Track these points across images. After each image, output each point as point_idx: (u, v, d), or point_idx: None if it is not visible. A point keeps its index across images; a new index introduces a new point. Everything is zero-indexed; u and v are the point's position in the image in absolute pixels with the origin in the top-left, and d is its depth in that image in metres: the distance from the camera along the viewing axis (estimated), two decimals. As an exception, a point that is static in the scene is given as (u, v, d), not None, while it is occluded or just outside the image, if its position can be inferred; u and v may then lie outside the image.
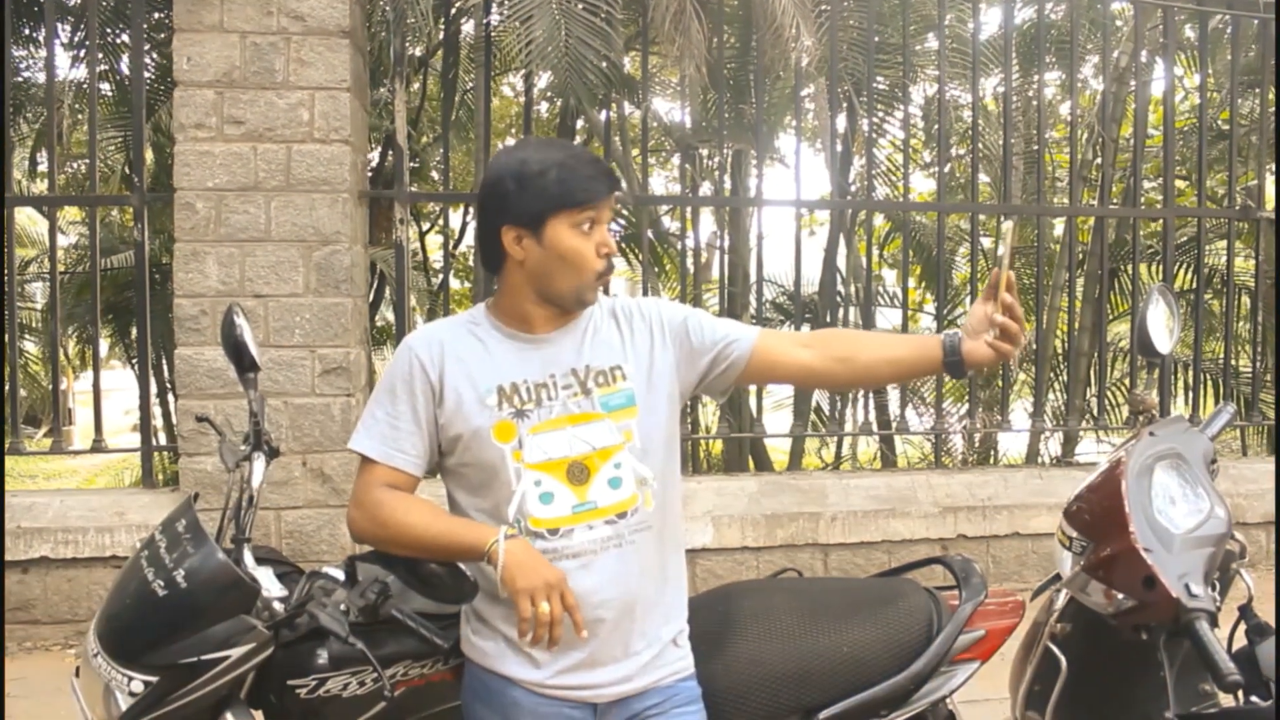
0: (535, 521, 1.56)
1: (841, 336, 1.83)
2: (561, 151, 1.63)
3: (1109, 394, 6.31)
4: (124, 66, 5.61)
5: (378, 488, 1.60)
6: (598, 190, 1.59)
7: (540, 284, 1.61)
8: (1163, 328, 1.92)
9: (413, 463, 1.61)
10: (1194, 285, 5.28)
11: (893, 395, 6.89)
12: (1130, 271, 5.54)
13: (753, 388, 4.85)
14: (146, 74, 4.80)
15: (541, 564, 1.50)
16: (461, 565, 1.65)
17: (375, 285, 6.56)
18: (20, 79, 6.03)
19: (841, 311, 6.49)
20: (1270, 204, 5.77)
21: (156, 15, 5.12)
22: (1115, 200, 6.36)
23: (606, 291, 1.74)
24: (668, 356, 1.68)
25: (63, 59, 5.46)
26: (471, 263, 9.09)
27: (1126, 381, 6.29)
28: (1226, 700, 1.65)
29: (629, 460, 1.61)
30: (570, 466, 1.58)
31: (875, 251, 7.38)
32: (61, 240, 6.62)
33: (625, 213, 5.90)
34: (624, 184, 1.81)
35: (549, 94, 7.24)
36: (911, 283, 6.53)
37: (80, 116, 5.90)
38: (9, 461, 4.42)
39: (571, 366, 1.63)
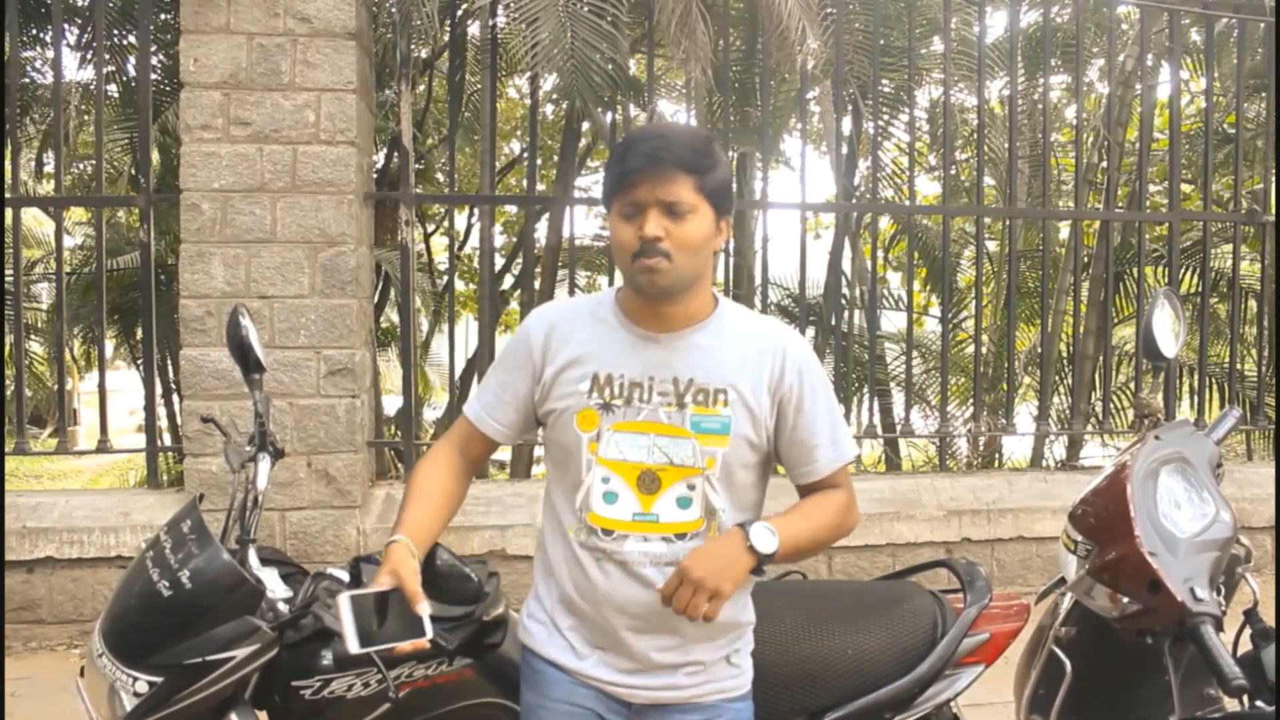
0: (594, 518, 1.53)
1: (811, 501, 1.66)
2: (642, 131, 1.55)
3: (1114, 398, 6.30)
4: (130, 68, 5.62)
5: (450, 440, 1.66)
6: (629, 168, 1.45)
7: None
8: (1168, 331, 1.91)
9: (500, 432, 1.64)
10: (1199, 289, 5.27)
11: (897, 398, 6.90)
12: (1135, 275, 5.53)
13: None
14: (153, 75, 4.81)
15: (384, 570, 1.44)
16: (467, 568, 1.66)
17: (380, 287, 6.57)
18: (27, 80, 6.05)
19: (846, 314, 6.49)
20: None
21: (163, 17, 5.13)
22: (1120, 204, 6.36)
23: (651, 280, 1.47)
24: (773, 420, 1.57)
25: (69, 60, 5.49)
26: (476, 264, 9.09)
27: (1131, 385, 6.28)
28: (1231, 705, 1.64)
29: (704, 486, 1.52)
30: (642, 474, 1.52)
31: (880, 254, 7.38)
32: (67, 241, 6.64)
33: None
34: (675, 159, 1.46)
35: (554, 96, 7.25)
36: (916, 285, 6.52)
37: (87, 117, 5.92)
38: (15, 462, 4.43)
39: (675, 375, 1.53)
